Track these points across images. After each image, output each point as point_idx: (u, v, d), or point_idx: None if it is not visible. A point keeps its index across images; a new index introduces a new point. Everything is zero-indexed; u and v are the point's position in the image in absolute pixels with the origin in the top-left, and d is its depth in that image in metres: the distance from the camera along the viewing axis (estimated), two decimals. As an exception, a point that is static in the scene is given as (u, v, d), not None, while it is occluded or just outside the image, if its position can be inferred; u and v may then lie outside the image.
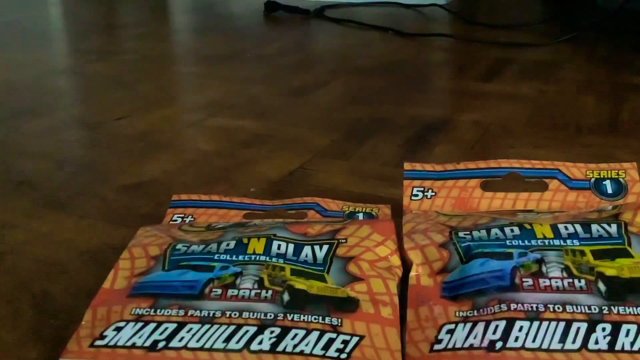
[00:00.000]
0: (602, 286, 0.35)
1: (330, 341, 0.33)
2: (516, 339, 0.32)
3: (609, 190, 0.47)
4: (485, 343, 0.32)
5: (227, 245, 0.40)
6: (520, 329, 0.33)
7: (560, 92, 0.84)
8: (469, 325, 0.33)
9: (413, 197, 0.48)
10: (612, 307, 0.33)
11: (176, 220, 0.48)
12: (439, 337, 0.33)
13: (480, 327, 0.33)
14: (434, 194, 0.48)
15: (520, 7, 1.54)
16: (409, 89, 0.87)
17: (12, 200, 0.55)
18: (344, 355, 0.32)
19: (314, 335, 0.33)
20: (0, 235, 0.49)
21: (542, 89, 0.86)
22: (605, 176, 0.48)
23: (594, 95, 0.83)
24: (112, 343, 0.33)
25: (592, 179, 0.48)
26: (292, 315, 0.34)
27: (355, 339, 0.33)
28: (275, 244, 0.40)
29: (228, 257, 0.39)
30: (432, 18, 1.43)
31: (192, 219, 0.48)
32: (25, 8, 1.64)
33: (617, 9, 1.15)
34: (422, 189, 0.48)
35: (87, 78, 0.98)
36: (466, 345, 0.32)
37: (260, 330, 0.33)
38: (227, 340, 0.33)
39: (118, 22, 1.49)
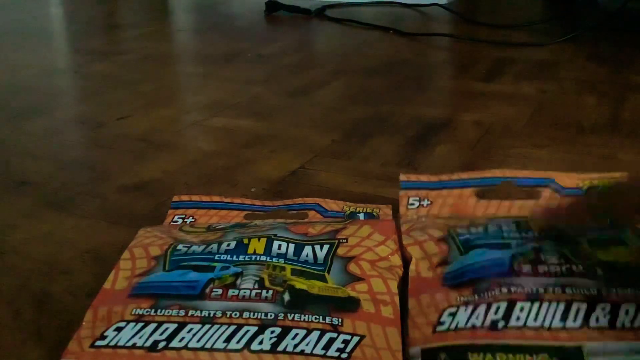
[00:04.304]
0: (599, 271, 0.36)
1: (331, 341, 0.33)
2: (518, 318, 0.33)
3: None
4: (488, 322, 0.32)
5: (228, 245, 0.40)
6: (522, 309, 0.33)
7: (562, 92, 0.84)
8: (470, 307, 0.34)
9: (410, 206, 0.48)
10: (610, 289, 0.34)
11: (177, 221, 0.48)
12: (442, 320, 0.34)
13: (482, 308, 0.34)
14: (429, 202, 0.48)
15: (521, 7, 1.54)
16: (410, 89, 0.87)
17: (13, 200, 0.55)
18: (344, 355, 0.32)
19: (315, 335, 0.33)
20: (1, 235, 0.49)
21: (543, 88, 0.86)
22: (597, 185, 0.48)
23: (595, 95, 0.82)
24: (112, 343, 0.33)
25: (584, 187, 0.48)
26: (292, 315, 0.34)
27: (355, 339, 0.33)
28: (275, 244, 0.40)
29: (229, 258, 0.39)
30: (433, 18, 1.43)
31: (193, 220, 0.48)
32: (26, 8, 1.64)
33: (617, 9, 1.15)
34: (418, 198, 0.48)
35: (88, 78, 0.98)
36: (468, 325, 0.33)
37: (260, 330, 0.33)
38: (228, 340, 0.33)
39: (118, 22, 1.49)
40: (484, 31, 1.23)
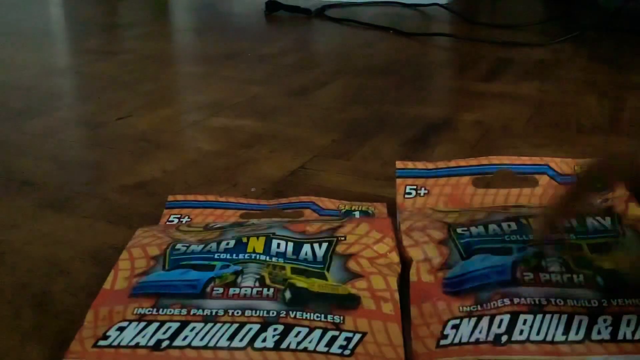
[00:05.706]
0: (600, 280, 0.36)
1: (333, 338, 0.33)
2: (521, 332, 0.32)
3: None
4: (491, 337, 0.32)
5: (227, 244, 0.40)
6: (525, 322, 0.33)
7: (561, 91, 0.84)
8: (473, 320, 0.34)
9: (406, 195, 0.48)
10: (611, 300, 0.34)
11: (173, 221, 0.48)
12: (445, 333, 0.33)
13: (485, 321, 0.33)
14: (426, 191, 0.48)
15: (521, 7, 1.54)
16: (410, 89, 0.87)
17: (13, 200, 0.55)
18: (347, 352, 0.32)
19: (317, 332, 0.33)
20: (1, 236, 0.49)
21: (543, 88, 0.86)
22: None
23: (595, 94, 0.82)
24: (115, 343, 0.33)
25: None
26: (294, 312, 0.34)
27: (357, 336, 0.33)
28: (274, 242, 0.40)
29: (228, 256, 0.39)
30: (433, 17, 1.43)
31: (189, 220, 0.48)
32: (26, 8, 1.64)
33: (618, 9, 1.15)
34: (414, 187, 0.48)
35: (88, 78, 0.97)
36: (472, 339, 0.32)
37: (263, 328, 0.33)
38: (231, 338, 0.33)
39: (118, 22, 1.49)
40: (484, 31, 1.23)
